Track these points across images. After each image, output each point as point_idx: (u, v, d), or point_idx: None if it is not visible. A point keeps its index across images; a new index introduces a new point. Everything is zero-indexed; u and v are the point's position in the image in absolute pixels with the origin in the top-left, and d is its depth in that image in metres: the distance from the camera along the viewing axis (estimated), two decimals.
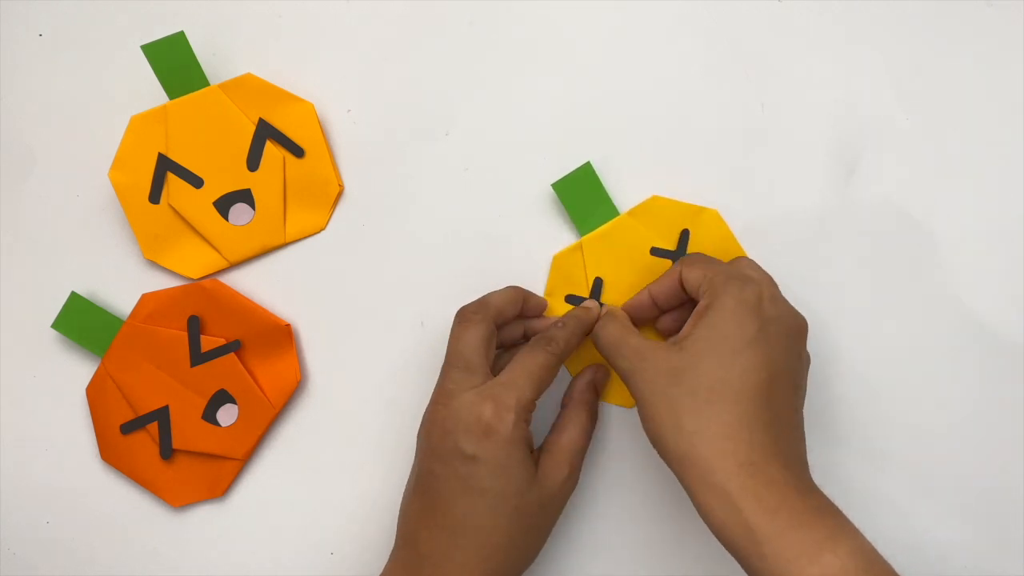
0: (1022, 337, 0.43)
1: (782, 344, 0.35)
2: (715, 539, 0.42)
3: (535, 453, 0.38)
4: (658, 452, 0.35)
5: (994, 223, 0.43)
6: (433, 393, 0.38)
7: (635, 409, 0.43)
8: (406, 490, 0.39)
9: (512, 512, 0.36)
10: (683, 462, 0.34)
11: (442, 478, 0.36)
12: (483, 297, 0.40)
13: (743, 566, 0.33)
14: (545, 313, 0.43)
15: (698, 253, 0.39)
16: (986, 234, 0.43)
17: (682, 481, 0.34)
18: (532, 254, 0.44)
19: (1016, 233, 0.43)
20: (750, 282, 0.36)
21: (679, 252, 0.43)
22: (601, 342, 0.38)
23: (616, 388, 0.43)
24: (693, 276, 0.37)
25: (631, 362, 0.36)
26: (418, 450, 0.38)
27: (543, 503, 0.37)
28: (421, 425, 0.38)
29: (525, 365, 0.37)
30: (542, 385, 0.37)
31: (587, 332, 0.41)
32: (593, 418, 0.40)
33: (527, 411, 0.36)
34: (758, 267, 0.39)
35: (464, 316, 0.39)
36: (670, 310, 0.41)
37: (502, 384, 0.36)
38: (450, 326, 0.40)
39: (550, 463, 0.38)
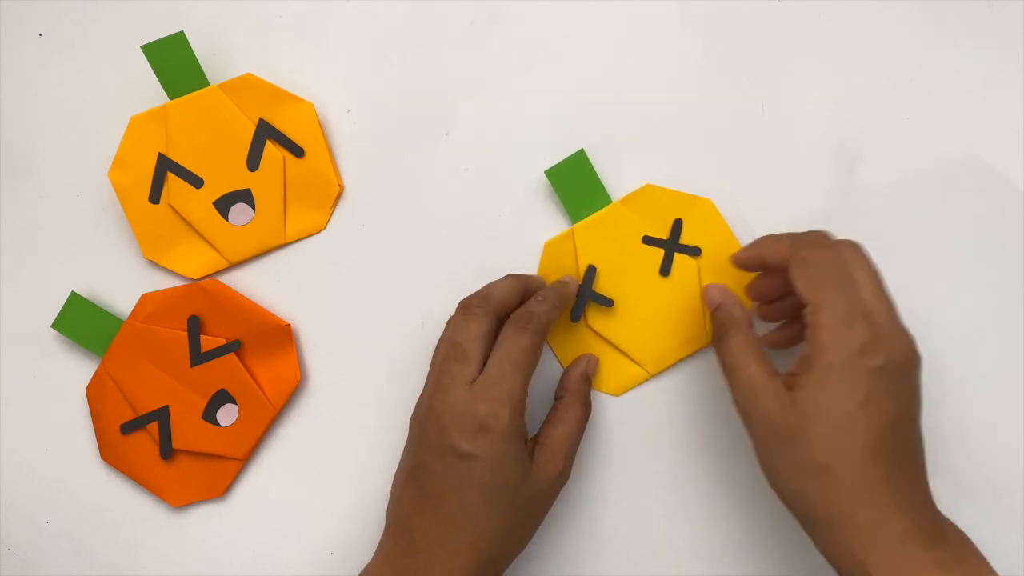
0: (1022, 338, 0.43)
1: (896, 391, 0.34)
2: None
3: (529, 444, 0.38)
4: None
5: (994, 222, 0.43)
6: (427, 382, 0.38)
7: (624, 396, 0.43)
8: (397, 475, 0.39)
9: (507, 505, 0.36)
10: (804, 519, 0.34)
11: (437, 472, 0.36)
12: (485, 289, 0.39)
13: None
14: None
15: (812, 248, 0.36)
16: (986, 233, 0.43)
17: (802, 525, 0.35)
18: (533, 254, 0.44)
19: (1016, 232, 0.43)
20: (857, 320, 0.34)
21: (672, 241, 0.43)
22: (723, 357, 0.37)
23: (606, 376, 0.43)
24: (802, 286, 0.35)
25: (744, 397, 0.35)
26: (411, 439, 0.38)
27: (536, 495, 0.37)
28: (414, 414, 0.38)
29: (509, 353, 0.37)
30: (530, 370, 0.37)
31: (566, 306, 0.41)
32: (587, 410, 0.41)
33: (520, 402, 0.36)
34: (864, 267, 0.36)
35: (468, 308, 0.38)
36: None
37: (492, 379, 0.36)
38: None
39: (545, 457, 0.38)
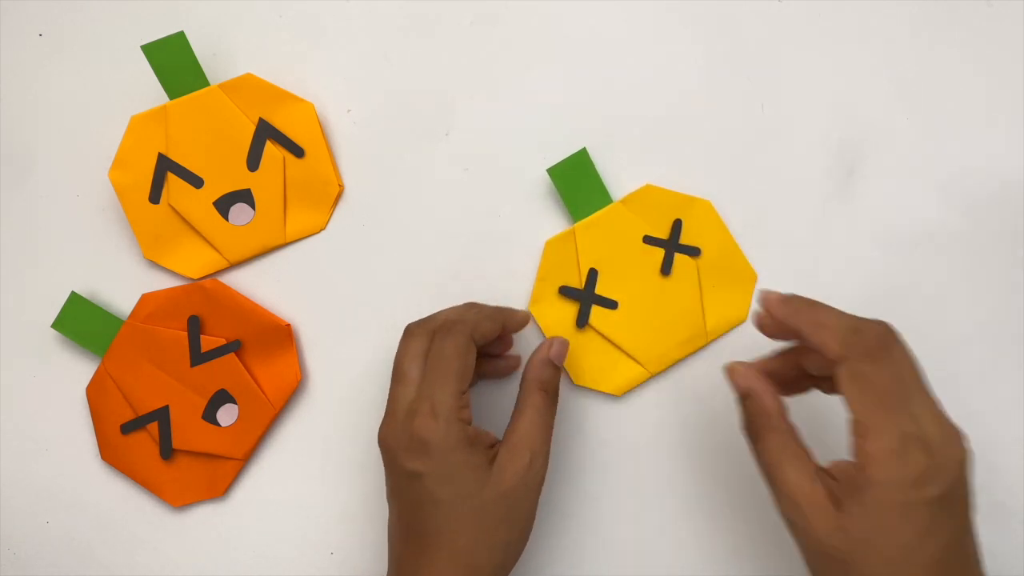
0: (1022, 336, 0.43)
1: (953, 513, 0.31)
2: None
3: (497, 446, 0.37)
4: None
5: (994, 222, 0.43)
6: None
7: (625, 396, 0.43)
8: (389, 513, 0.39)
9: (473, 513, 0.35)
10: None
11: (399, 495, 0.36)
12: (432, 314, 0.39)
13: None
14: (536, 299, 0.43)
15: (868, 360, 0.32)
16: (986, 233, 0.43)
17: None
18: (532, 254, 0.44)
19: (1016, 232, 0.43)
20: (913, 450, 0.30)
21: (671, 241, 0.43)
22: (759, 458, 0.34)
23: (608, 375, 0.43)
24: (853, 402, 0.32)
25: (788, 509, 0.32)
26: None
27: (505, 495, 0.35)
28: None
29: (435, 364, 0.36)
30: (460, 375, 0.36)
31: (502, 320, 0.39)
32: (552, 397, 0.38)
33: (453, 409, 0.35)
34: (919, 380, 0.33)
35: (407, 330, 0.38)
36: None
37: (423, 394, 0.36)
38: None
39: (508, 454, 0.36)
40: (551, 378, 0.39)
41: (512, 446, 0.37)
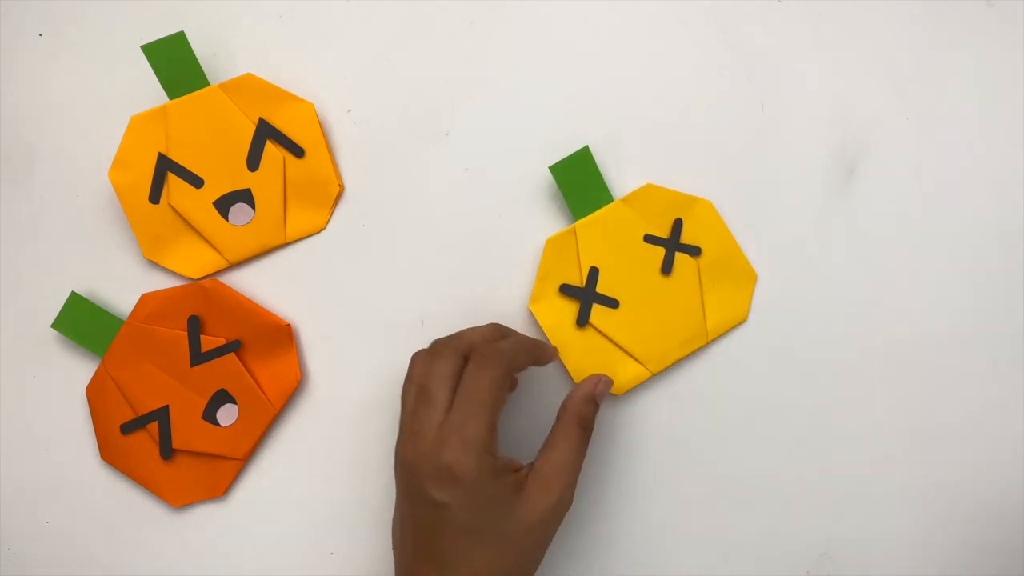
0: (1022, 336, 0.43)
1: None
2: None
3: (524, 470, 0.36)
4: None
5: (994, 223, 0.43)
6: (400, 427, 0.37)
7: (625, 395, 0.43)
8: (394, 520, 0.38)
9: (498, 542, 0.35)
10: None
11: (421, 520, 0.35)
12: (459, 332, 0.38)
13: None
14: (536, 297, 0.43)
15: None
16: (986, 234, 0.43)
17: None
18: (532, 254, 0.44)
19: (1016, 233, 0.43)
20: None
21: (672, 240, 0.43)
22: None
23: (608, 375, 0.43)
24: None
25: None
26: (396, 485, 0.37)
27: (532, 527, 0.35)
28: (394, 460, 0.37)
29: (471, 393, 0.35)
30: (495, 408, 0.35)
31: (535, 352, 0.39)
32: (586, 433, 0.38)
33: (487, 444, 0.35)
34: None
35: (433, 348, 0.37)
36: None
37: (454, 424, 0.35)
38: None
39: (538, 486, 0.36)
40: (591, 415, 0.39)
41: (544, 479, 0.36)
